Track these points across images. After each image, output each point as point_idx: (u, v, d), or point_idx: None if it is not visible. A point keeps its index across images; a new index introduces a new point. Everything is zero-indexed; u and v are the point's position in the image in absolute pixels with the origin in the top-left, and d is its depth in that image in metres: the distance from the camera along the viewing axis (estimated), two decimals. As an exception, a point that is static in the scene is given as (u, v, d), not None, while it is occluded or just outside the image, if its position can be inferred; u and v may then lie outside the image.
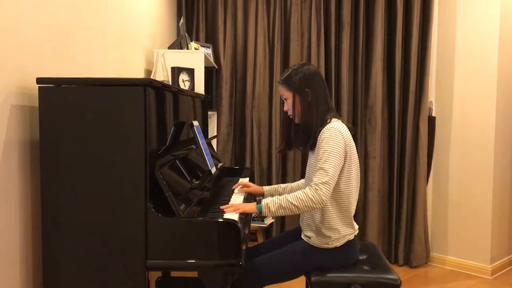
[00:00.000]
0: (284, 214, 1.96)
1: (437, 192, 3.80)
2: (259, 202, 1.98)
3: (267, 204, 1.95)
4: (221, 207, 1.98)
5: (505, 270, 3.67)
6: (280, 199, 1.95)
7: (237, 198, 2.24)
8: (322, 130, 1.99)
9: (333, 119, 2.04)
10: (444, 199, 3.75)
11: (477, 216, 3.56)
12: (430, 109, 3.75)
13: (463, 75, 3.60)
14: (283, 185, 2.38)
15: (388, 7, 3.69)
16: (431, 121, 3.74)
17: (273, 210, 1.95)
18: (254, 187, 2.37)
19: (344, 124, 2.05)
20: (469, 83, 3.57)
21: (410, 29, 3.62)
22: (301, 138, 2.12)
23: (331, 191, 1.93)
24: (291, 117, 2.14)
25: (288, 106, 2.12)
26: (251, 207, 1.98)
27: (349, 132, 2.05)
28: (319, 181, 1.91)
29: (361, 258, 2.21)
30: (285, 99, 2.12)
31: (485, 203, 3.52)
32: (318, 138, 1.99)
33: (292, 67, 2.12)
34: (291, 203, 1.93)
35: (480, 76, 3.51)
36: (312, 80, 2.07)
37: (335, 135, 1.95)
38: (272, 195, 2.33)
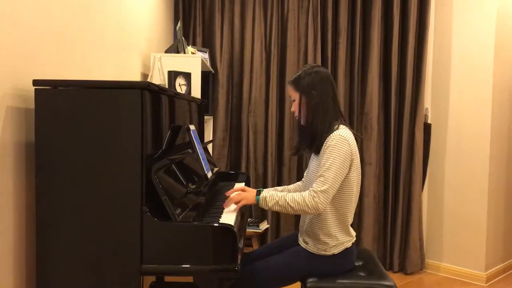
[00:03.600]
0: (279, 211, 1.99)
1: (432, 198, 3.80)
2: (258, 194, 2.01)
3: (265, 197, 1.99)
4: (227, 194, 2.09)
5: (499, 278, 3.67)
6: (278, 196, 1.98)
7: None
8: (329, 137, 1.97)
9: (341, 126, 2.02)
10: (439, 205, 3.75)
11: (472, 223, 3.57)
12: (426, 116, 3.77)
13: (459, 82, 3.61)
14: (280, 188, 2.37)
15: (384, 15, 3.71)
16: (427, 128, 3.76)
17: (269, 205, 1.98)
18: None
19: (351, 132, 2.03)
20: (464, 91, 3.59)
21: (406, 36, 3.64)
22: (306, 141, 2.10)
23: (329, 200, 1.93)
24: (297, 118, 2.14)
25: (295, 107, 2.11)
26: (251, 198, 2.02)
27: (355, 140, 2.03)
28: (318, 189, 1.91)
29: (357, 264, 2.20)
30: (293, 100, 2.11)
31: (480, 210, 3.53)
32: (324, 144, 1.97)
33: (304, 68, 2.11)
34: (288, 203, 1.95)
35: (475, 83, 3.53)
36: (321, 84, 2.05)
37: (341, 143, 1.94)
38: None
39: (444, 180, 3.72)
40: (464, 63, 3.58)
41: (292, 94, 2.11)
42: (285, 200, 1.95)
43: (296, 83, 2.08)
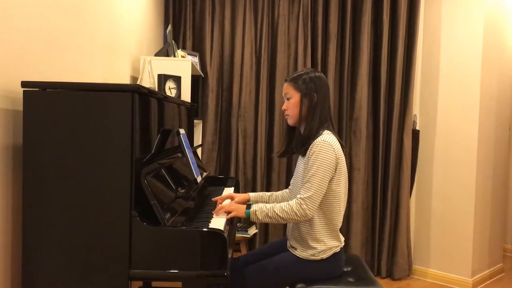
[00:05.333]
0: (270, 223, 2.00)
1: (420, 205, 3.83)
2: (248, 207, 2.01)
3: (255, 211, 1.99)
4: (214, 211, 2.07)
5: (485, 283, 3.70)
6: (267, 208, 1.98)
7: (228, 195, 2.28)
8: (313, 143, 1.97)
9: (326, 131, 2.03)
10: (426, 212, 3.78)
11: (458, 229, 3.59)
12: (414, 123, 3.80)
13: (447, 89, 3.65)
14: (268, 193, 2.37)
15: (374, 22, 3.73)
16: (415, 134, 3.78)
17: (260, 218, 1.99)
18: (240, 198, 2.29)
19: (335, 138, 2.04)
20: (452, 98, 3.62)
21: (395, 44, 3.67)
22: (297, 143, 2.09)
23: (316, 205, 1.94)
24: (286, 117, 2.13)
25: (288, 105, 2.09)
26: (241, 211, 2.02)
27: (339, 145, 2.04)
28: (304, 195, 1.93)
29: (345, 270, 2.20)
30: (288, 98, 2.10)
31: (466, 216, 3.55)
32: (309, 150, 1.98)
33: (305, 69, 2.11)
34: (277, 214, 1.97)
35: (463, 91, 3.56)
36: (321, 87, 2.06)
37: (326, 149, 1.95)
38: (257, 202, 2.31)
39: (432, 186, 3.74)
40: (452, 71, 3.62)
41: (290, 92, 2.08)
42: (274, 211, 1.97)
43: (297, 82, 2.06)
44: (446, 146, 3.66)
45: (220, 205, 2.11)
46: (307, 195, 1.93)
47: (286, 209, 1.95)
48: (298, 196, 1.96)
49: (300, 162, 2.12)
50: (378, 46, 3.72)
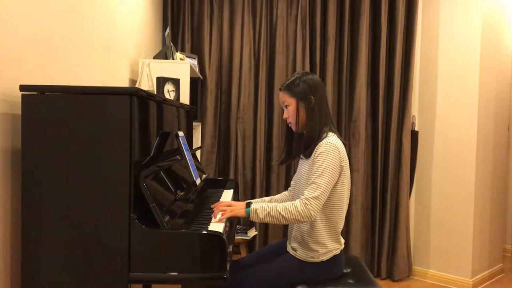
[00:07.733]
0: (271, 222, 1.95)
1: (420, 205, 3.83)
2: (248, 206, 1.97)
3: (255, 210, 1.94)
4: (212, 207, 2.06)
5: (485, 284, 3.69)
6: (269, 207, 1.94)
7: (226, 198, 2.25)
8: (319, 144, 1.96)
9: (330, 133, 2.02)
10: (426, 213, 3.78)
11: (458, 230, 3.59)
12: (413, 124, 3.80)
13: (446, 90, 3.65)
14: (267, 198, 2.35)
15: (372, 23, 3.74)
16: (414, 135, 3.78)
17: (261, 216, 1.94)
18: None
19: (339, 139, 2.03)
20: (451, 99, 3.62)
21: (394, 45, 3.68)
22: (300, 146, 2.09)
23: (321, 206, 1.92)
24: (290, 124, 2.12)
25: (288, 113, 2.09)
26: (241, 211, 1.97)
27: (344, 147, 2.03)
28: (310, 196, 1.90)
29: (345, 271, 2.20)
30: (285, 106, 2.09)
31: (466, 217, 3.55)
32: (314, 151, 1.97)
33: (296, 74, 2.10)
34: (280, 213, 1.91)
35: (462, 92, 3.57)
36: (316, 89, 2.05)
37: (332, 151, 1.94)
38: None
39: (431, 187, 3.74)
40: (450, 71, 3.62)
41: (287, 100, 2.08)
42: (277, 210, 1.92)
43: (292, 89, 2.06)
44: (445, 147, 3.66)
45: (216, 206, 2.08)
46: (313, 195, 1.89)
47: (290, 209, 1.90)
48: (303, 196, 1.92)
49: (303, 163, 2.11)
50: (377, 47, 3.72)
